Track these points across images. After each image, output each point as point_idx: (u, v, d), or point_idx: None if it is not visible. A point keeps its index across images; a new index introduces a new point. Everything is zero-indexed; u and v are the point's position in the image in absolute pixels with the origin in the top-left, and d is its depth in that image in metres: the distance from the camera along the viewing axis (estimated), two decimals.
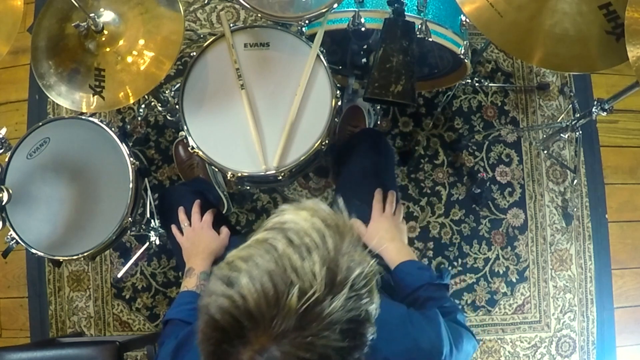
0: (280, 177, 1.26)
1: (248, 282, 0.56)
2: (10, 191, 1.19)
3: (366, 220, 1.27)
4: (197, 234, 1.28)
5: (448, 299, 1.07)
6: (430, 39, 1.30)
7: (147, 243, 1.76)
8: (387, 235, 1.20)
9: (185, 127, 1.27)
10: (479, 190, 1.95)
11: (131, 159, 1.30)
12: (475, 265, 1.97)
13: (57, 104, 1.87)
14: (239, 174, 1.25)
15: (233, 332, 0.57)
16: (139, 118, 1.93)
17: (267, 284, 0.56)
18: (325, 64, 1.29)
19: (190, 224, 1.30)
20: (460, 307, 1.95)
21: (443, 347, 0.85)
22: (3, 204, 1.17)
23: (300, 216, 0.62)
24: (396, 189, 1.37)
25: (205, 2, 2.04)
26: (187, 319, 1.07)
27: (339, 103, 1.29)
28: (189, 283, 1.18)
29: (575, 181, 1.98)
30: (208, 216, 1.31)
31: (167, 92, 1.67)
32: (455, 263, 1.96)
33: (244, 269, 0.58)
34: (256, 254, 0.59)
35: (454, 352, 0.89)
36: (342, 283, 0.58)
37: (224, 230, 1.30)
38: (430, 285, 1.07)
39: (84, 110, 1.25)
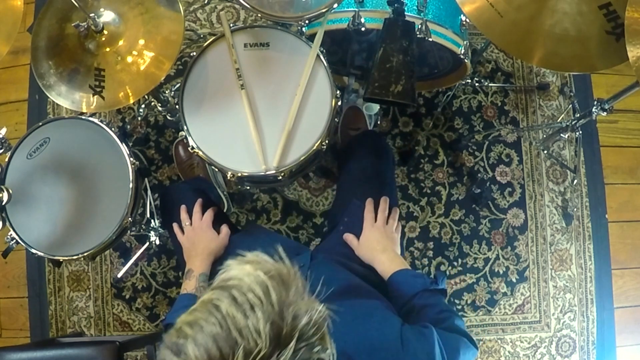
0: (280, 177, 1.26)
1: (194, 349, 0.56)
2: (10, 191, 1.19)
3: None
4: (197, 234, 1.28)
5: (444, 304, 1.06)
6: (430, 39, 1.30)
7: (147, 243, 1.76)
8: (379, 247, 1.20)
9: (185, 127, 1.27)
10: (479, 190, 1.95)
11: (131, 159, 1.30)
12: (475, 265, 1.97)
13: (57, 104, 1.87)
14: (239, 174, 1.25)
15: None
16: (139, 118, 1.93)
17: (212, 348, 0.55)
18: (325, 64, 1.29)
19: (191, 223, 1.30)
20: (460, 307, 1.95)
21: None
22: (3, 204, 1.17)
23: (244, 271, 0.61)
24: (395, 191, 1.37)
25: (205, 2, 2.04)
26: None
27: (339, 103, 1.29)
28: (189, 285, 1.18)
29: (575, 181, 1.98)
30: (208, 215, 1.31)
31: (167, 92, 1.67)
32: (455, 263, 1.96)
33: (189, 335, 0.57)
34: (201, 317, 0.58)
35: None
36: (288, 336, 0.57)
37: (224, 229, 1.30)
38: (424, 292, 1.06)
39: (84, 110, 1.25)
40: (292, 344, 0.57)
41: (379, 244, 1.20)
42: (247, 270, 0.61)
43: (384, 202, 1.27)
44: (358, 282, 1.08)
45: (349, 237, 1.25)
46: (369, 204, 1.27)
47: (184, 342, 0.57)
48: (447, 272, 1.95)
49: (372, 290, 1.06)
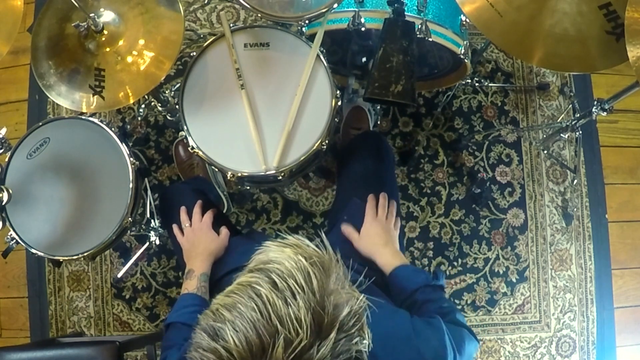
0: (280, 177, 1.26)
1: (233, 335, 0.55)
2: (10, 191, 1.19)
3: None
4: (196, 235, 1.28)
5: (445, 299, 1.07)
6: (430, 39, 1.30)
7: (147, 243, 1.76)
8: (380, 241, 1.20)
9: (185, 127, 1.27)
10: (479, 190, 1.95)
11: (131, 159, 1.30)
12: (475, 265, 1.97)
13: (57, 104, 1.87)
14: (239, 174, 1.25)
15: None
16: (139, 118, 1.93)
17: (252, 335, 0.55)
18: (325, 64, 1.29)
19: (191, 225, 1.30)
20: (460, 307, 1.95)
21: (447, 356, 0.85)
22: (3, 204, 1.17)
23: (284, 254, 0.60)
24: (397, 193, 1.37)
25: (205, 2, 2.04)
26: (188, 322, 1.07)
27: (339, 103, 1.29)
28: (190, 285, 1.18)
29: (575, 181, 1.98)
30: (208, 217, 1.31)
31: (167, 92, 1.67)
32: (455, 263, 1.96)
33: (228, 319, 0.57)
34: (240, 301, 0.58)
35: (457, 359, 0.88)
36: (329, 326, 0.56)
37: (224, 231, 1.30)
38: (426, 287, 1.06)
39: (84, 110, 1.25)
40: (333, 335, 0.56)
41: (381, 238, 1.20)
42: (287, 254, 0.60)
43: (383, 198, 1.28)
44: (356, 280, 1.08)
45: (348, 230, 1.25)
46: (371, 199, 1.27)
47: (222, 326, 0.57)
48: (447, 272, 1.95)
49: (374, 288, 1.06)
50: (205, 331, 0.58)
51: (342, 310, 0.58)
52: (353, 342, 0.58)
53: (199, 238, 1.27)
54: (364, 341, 0.60)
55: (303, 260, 0.59)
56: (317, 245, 0.63)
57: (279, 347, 0.54)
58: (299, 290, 0.57)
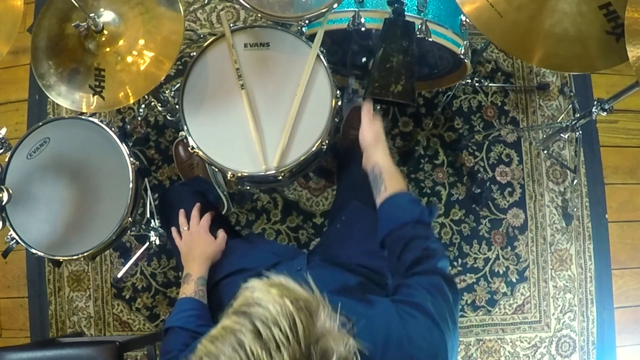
0: (280, 177, 1.26)
1: None
2: (10, 191, 1.19)
3: (370, 225, 1.26)
4: (193, 239, 1.27)
5: (434, 238, 1.03)
6: (430, 39, 1.30)
7: (147, 243, 1.76)
8: (382, 143, 1.17)
9: (185, 127, 1.27)
10: (479, 190, 1.95)
11: (131, 159, 1.30)
12: (475, 265, 1.97)
13: (57, 104, 1.87)
14: (239, 174, 1.25)
15: None
16: (139, 118, 1.93)
17: None
18: (325, 64, 1.29)
19: (189, 228, 1.30)
20: (460, 307, 1.95)
21: (438, 351, 0.83)
22: (3, 204, 1.17)
23: (270, 296, 0.58)
24: None
25: (205, 2, 2.04)
26: (186, 326, 1.07)
27: (339, 103, 1.29)
28: (187, 289, 1.18)
29: (575, 181, 1.98)
30: (205, 220, 1.30)
31: (167, 92, 1.67)
32: (455, 263, 1.96)
33: None
34: (224, 352, 0.56)
35: (454, 335, 0.86)
36: None
37: (221, 234, 1.29)
38: (418, 223, 1.03)
39: (84, 110, 1.25)
40: None
41: (382, 139, 1.18)
42: (272, 297, 0.58)
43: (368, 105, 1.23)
44: (355, 282, 1.07)
45: (366, 107, 1.20)
46: (367, 103, 1.22)
47: None
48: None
49: (370, 287, 1.05)
50: None
51: (329, 359, 0.56)
52: None
53: (196, 241, 1.27)
54: None
55: (289, 304, 0.57)
56: (303, 288, 0.61)
57: None
58: (284, 341, 0.55)
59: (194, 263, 1.23)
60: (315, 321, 0.58)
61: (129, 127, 1.97)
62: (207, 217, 1.31)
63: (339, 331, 0.60)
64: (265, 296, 0.58)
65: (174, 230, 1.32)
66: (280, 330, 0.55)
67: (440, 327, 0.84)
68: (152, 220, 1.71)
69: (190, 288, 1.18)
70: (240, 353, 0.55)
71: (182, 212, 1.33)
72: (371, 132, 1.17)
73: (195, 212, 1.32)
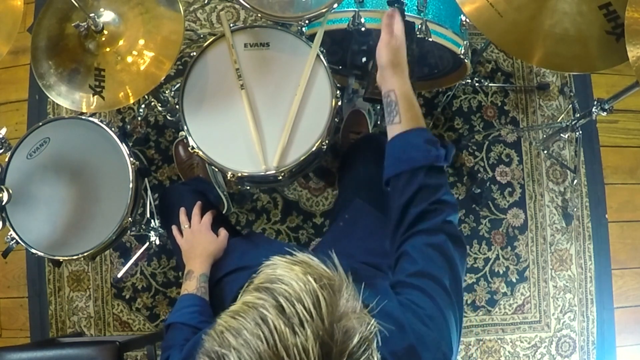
0: (280, 177, 1.26)
1: None
2: (10, 191, 1.19)
3: (373, 224, 1.26)
4: (195, 237, 1.28)
5: (446, 188, 0.93)
6: (430, 39, 1.30)
7: (147, 243, 1.76)
8: (403, 65, 1.01)
9: (185, 127, 1.27)
10: (479, 190, 1.95)
11: (131, 159, 1.30)
12: (475, 265, 1.97)
13: (57, 104, 1.87)
14: (239, 174, 1.25)
15: None
16: (139, 118, 1.93)
17: None
18: (325, 64, 1.29)
19: (190, 226, 1.30)
20: None
21: (450, 353, 0.81)
22: (3, 204, 1.17)
23: (293, 273, 0.58)
24: None
25: (205, 2, 2.05)
26: (188, 322, 1.07)
27: (339, 103, 1.29)
28: (189, 286, 1.18)
29: (575, 181, 1.98)
30: (207, 218, 1.31)
31: (167, 92, 1.67)
32: None
33: (233, 347, 0.55)
34: (246, 327, 0.55)
35: (457, 311, 0.84)
36: (338, 356, 0.55)
37: (222, 232, 1.30)
38: (432, 169, 0.91)
39: (84, 110, 1.25)
40: None
41: (403, 55, 1.03)
42: (296, 273, 0.58)
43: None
44: (358, 267, 1.07)
45: (388, 19, 1.04)
46: (388, 16, 1.06)
47: (227, 353, 0.55)
48: None
49: (374, 274, 1.05)
50: (209, 356, 0.57)
51: (351, 338, 0.56)
52: None
53: (198, 239, 1.27)
54: None
55: (312, 281, 0.57)
56: (327, 266, 0.61)
57: None
58: (307, 318, 0.55)
59: (195, 260, 1.23)
60: (339, 299, 0.57)
61: (129, 127, 1.97)
62: (209, 215, 1.31)
63: (361, 311, 0.60)
64: (288, 273, 0.58)
65: (174, 228, 1.32)
66: (304, 306, 0.55)
67: (443, 312, 0.81)
68: (152, 220, 1.71)
69: (192, 285, 1.18)
70: (263, 328, 0.54)
71: (182, 210, 1.33)
72: (390, 50, 1.01)
73: (196, 210, 1.32)
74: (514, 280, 1.97)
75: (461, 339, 1.94)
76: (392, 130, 0.98)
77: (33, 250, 1.27)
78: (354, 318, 0.58)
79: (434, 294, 0.83)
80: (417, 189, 0.90)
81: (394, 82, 1.00)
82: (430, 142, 0.94)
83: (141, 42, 1.22)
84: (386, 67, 1.01)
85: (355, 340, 0.56)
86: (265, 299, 0.56)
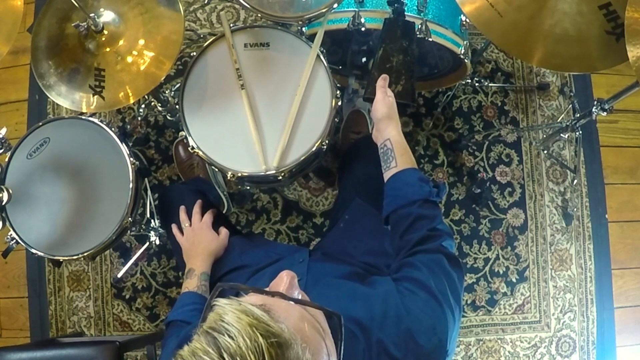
0: (280, 177, 1.26)
1: None
2: (10, 191, 1.19)
3: (372, 224, 1.26)
4: (196, 235, 1.28)
5: (440, 219, 1.02)
6: (430, 39, 1.30)
7: (147, 243, 1.76)
8: (396, 119, 1.15)
9: (185, 127, 1.27)
10: (479, 190, 1.95)
11: (131, 159, 1.30)
12: (475, 265, 1.97)
13: (57, 104, 1.87)
14: (239, 174, 1.25)
15: None
16: (139, 118, 1.93)
17: None
18: (325, 64, 1.29)
19: (190, 224, 1.30)
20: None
21: (436, 329, 0.82)
22: (3, 204, 1.17)
23: (241, 324, 0.55)
24: None
25: (205, 2, 2.05)
26: (188, 320, 1.07)
27: (339, 103, 1.29)
28: (190, 284, 1.18)
29: (575, 181, 1.98)
30: (208, 217, 1.31)
31: (167, 92, 1.67)
32: None
33: None
34: None
35: (455, 312, 0.85)
36: None
37: (223, 231, 1.30)
38: (426, 202, 1.02)
39: (84, 110, 1.25)
40: None
41: (395, 115, 1.17)
42: (244, 326, 0.55)
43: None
44: (356, 271, 1.07)
45: (382, 82, 1.19)
46: (382, 79, 1.20)
47: None
48: None
49: (374, 274, 1.06)
50: None
51: None
52: None
53: (199, 238, 1.27)
54: None
55: (260, 338, 0.54)
56: (273, 318, 0.58)
57: None
58: None
59: (196, 259, 1.23)
60: (287, 355, 0.56)
61: (129, 127, 1.97)
62: (209, 214, 1.32)
63: None
64: (236, 324, 0.56)
65: (174, 226, 1.32)
66: None
67: (440, 302, 0.84)
68: (152, 220, 1.71)
69: (193, 283, 1.18)
70: None
71: (182, 208, 1.33)
72: (384, 106, 1.16)
73: (197, 208, 1.32)
74: (514, 280, 1.97)
75: (461, 339, 1.95)
76: (389, 173, 1.10)
77: (33, 250, 1.27)
78: None
79: (432, 288, 0.86)
80: (413, 219, 1.00)
81: (389, 132, 1.13)
82: (423, 180, 1.05)
83: (141, 42, 1.22)
84: (382, 119, 1.15)
85: None
86: (211, 352, 0.55)
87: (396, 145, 1.11)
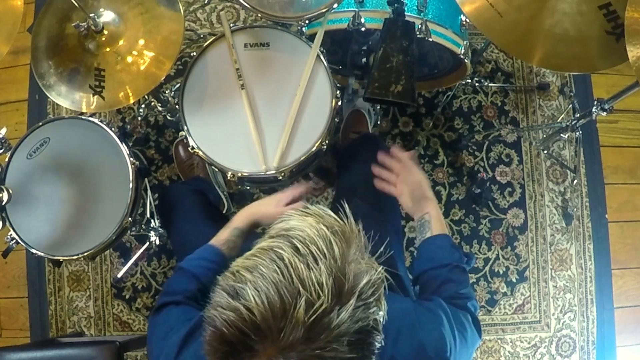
0: (281, 177, 1.26)
1: (254, 294, 0.56)
2: (10, 191, 1.19)
3: (371, 225, 1.25)
4: (261, 201, 1.23)
5: (467, 284, 1.05)
6: (430, 39, 1.30)
7: (147, 243, 1.76)
8: (431, 195, 1.16)
9: (185, 127, 1.27)
10: (479, 190, 1.95)
11: (131, 159, 1.30)
12: (475, 265, 1.97)
13: (57, 104, 1.87)
14: (239, 174, 1.25)
15: (240, 345, 0.56)
16: (139, 118, 1.93)
17: (274, 295, 0.55)
18: (325, 64, 1.29)
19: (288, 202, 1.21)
20: None
21: (447, 347, 0.84)
22: (3, 204, 1.17)
23: (306, 222, 0.61)
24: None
25: (205, 2, 2.05)
26: (200, 277, 1.03)
27: (339, 103, 1.29)
28: (221, 234, 1.14)
29: (575, 181, 1.98)
30: (286, 197, 1.20)
31: (167, 92, 1.67)
32: None
33: (249, 280, 0.57)
34: (261, 263, 0.58)
35: (458, 344, 0.88)
36: (349, 293, 0.57)
37: (283, 209, 1.19)
38: (456, 268, 1.04)
39: (84, 110, 1.25)
40: (352, 301, 0.57)
41: (428, 186, 1.18)
42: (309, 222, 0.61)
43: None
44: (380, 251, 1.08)
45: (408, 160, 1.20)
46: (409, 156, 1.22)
47: (243, 286, 0.57)
48: None
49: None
50: (225, 291, 0.59)
51: (361, 279, 0.59)
52: (371, 311, 0.60)
53: (261, 201, 1.22)
54: (380, 312, 0.62)
55: (325, 228, 0.60)
56: (339, 217, 0.64)
57: (300, 309, 0.55)
58: (321, 256, 0.58)
59: (241, 213, 1.19)
60: (350, 246, 0.60)
61: (129, 127, 1.97)
62: (295, 189, 1.22)
63: (370, 259, 0.63)
64: (302, 223, 0.61)
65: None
66: (318, 247, 0.58)
67: (452, 328, 0.87)
68: (152, 220, 1.71)
69: (224, 235, 1.13)
70: (279, 264, 0.57)
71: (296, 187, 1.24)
72: (418, 187, 1.16)
73: (296, 191, 1.22)
74: (514, 280, 1.97)
75: None
76: (423, 239, 1.13)
77: (33, 250, 1.27)
78: (363, 263, 0.61)
79: (450, 318, 0.89)
80: (442, 281, 1.02)
81: (430, 208, 1.14)
82: (454, 247, 1.08)
83: (141, 42, 1.22)
84: (420, 200, 1.16)
85: (365, 280, 0.59)
86: (281, 242, 0.59)
87: (434, 219, 1.13)
